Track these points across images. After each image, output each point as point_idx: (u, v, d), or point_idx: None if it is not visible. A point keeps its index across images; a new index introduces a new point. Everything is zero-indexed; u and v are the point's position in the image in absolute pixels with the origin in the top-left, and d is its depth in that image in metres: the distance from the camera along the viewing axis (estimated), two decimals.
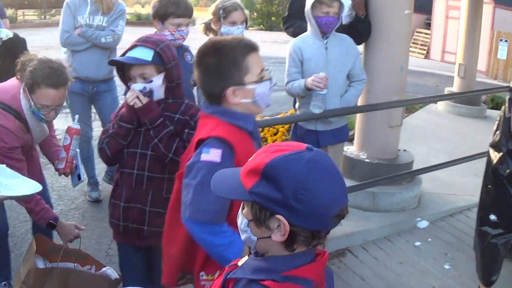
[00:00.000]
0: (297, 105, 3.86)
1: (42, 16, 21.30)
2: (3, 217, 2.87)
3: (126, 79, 2.52)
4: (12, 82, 2.83)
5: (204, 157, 1.89)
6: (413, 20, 4.87)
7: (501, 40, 15.57)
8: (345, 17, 4.12)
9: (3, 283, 3.18)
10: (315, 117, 3.60)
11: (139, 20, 19.62)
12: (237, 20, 3.66)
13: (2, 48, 2.85)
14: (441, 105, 9.28)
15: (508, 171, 3.06)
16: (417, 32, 20.29)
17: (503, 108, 3.23)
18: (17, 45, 3.81)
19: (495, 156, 3.16)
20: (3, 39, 3.55)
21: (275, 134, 5.85)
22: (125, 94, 3.35)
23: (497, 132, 3.20)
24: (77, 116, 2.88)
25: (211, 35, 3.75)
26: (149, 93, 2.43)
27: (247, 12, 3.84)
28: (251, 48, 1.93)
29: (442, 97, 8.44)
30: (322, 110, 3.44)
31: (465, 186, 5.32)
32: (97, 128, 5.35)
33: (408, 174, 4.72)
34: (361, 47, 4.47)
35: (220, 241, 1.89)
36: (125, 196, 2.59)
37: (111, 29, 4.47)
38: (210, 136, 1.92)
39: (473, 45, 8.61)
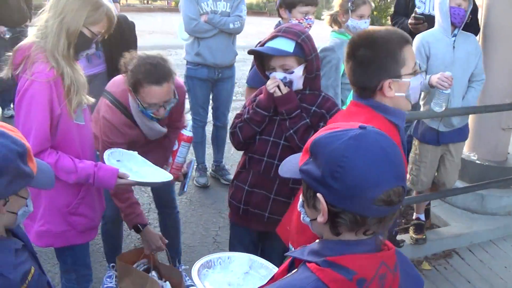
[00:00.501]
0: (421, 101, 3.86)
1: (145, 1, 22.06)
2: (113, 203, 2.94)
3: (265, 69, 2.52)
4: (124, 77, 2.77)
5: None
6: None
7: None
8: None
9: (111, 264, 3.32)
10: (437, 115, 3.60)
11: (250, 9, 19.79)
12: (365, 14, 3.64)
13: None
14: None
15: None
16: None
17: None
18: (125, 30, 3.74)
19: None
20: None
21: None
22: (247, 82, 3.50)
23: None
24: (190, 122, 2.83)
25: (335, 27, 3.77)
26: (289, 84, 2.43)
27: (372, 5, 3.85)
28: (406, 40, 1.87)
29: None
30: (444, 109, 3.44)
31: None
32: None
33: None
34: None
35: None
36: (250, 181, 2.61)
37: (237, 14, 4.51)
38: None
39: None
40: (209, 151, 5.35)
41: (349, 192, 1.14)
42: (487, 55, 4.36)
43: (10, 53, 2.31)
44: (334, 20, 3.78)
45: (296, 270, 1.26)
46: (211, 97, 4.97)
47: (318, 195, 1.18)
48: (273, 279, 1.43)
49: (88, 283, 2.69)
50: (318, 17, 3.91)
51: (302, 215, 1.31)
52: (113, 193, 2.85)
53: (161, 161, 2.87)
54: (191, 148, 3.12)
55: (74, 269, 2.59)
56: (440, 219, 4.49)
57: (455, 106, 3.65)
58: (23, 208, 1.55)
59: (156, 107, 2.65)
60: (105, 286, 3.31)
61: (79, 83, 2.30)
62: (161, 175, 2.64)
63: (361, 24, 3.63)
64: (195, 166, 4.49)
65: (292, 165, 1.32)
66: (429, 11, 4.34)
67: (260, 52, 2.47)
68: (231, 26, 4.48)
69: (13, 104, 6.38)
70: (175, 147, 2.80)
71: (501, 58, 4.37)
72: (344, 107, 3.08)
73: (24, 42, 2.33)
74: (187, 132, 2.79)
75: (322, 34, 3.84)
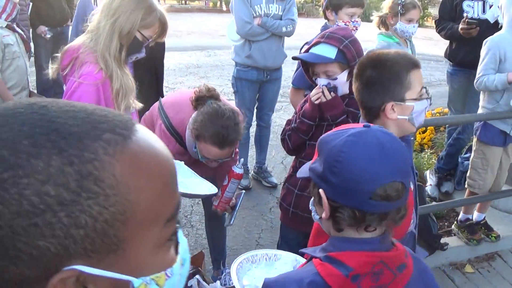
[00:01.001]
0: (481, 102, 3.78)
1: (182, 1, 22.30)
2: None
3: (311, 74, 2.52)
4: (187, 105, 2.61)
5: None
6: None
7: None
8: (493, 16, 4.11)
9: (242, 159, 2.95)
10: (503, 117, 3.54)
11: None
12: (414, 18, 3.61)
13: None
14: None
15: None
16: None
17: None
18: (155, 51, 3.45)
19: None
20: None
21: (424, 132, 5.72)
22: (293, 83, 3.46)
23: None
24: (242, 159, 2.77)
25: (383, 29, 3.74)
26: (333, 89, 2.42)
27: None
28: (414, 64, 1.87)
29: None
30: None
31: None
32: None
33: None
34: None
35: None
36: (300, 185, 2.60)
37: (290, 17, 4.46)
38: None
39: None
40: (251, 152, 5.34)
41: (346, 187, 1.18)
42: None
43: (58, 54, 2.31)
44: (383, 22, 3.75)
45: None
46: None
47: (320, 190, 1.22)
48: None
49: None
50: (367, 18, 3.86)
51: (312, 213, 1.36)
52: None
53: (208, 174, 2.81)
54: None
55: None
56: None
57: None
58: None
59: (211, 160, 2.59)
60: None
61: (127, 87, 2.28)
62: (207, 187, 2.61)
63: (410, 28, 3.61)
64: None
65: (306, 166, 1.37)
66: (478, 15, 4.26)
67: (304, 60, 2.48)
68: (284, 29, 4.44)
69: None
70: (225, 182, 2.74)
71: None
72: None
73: (73, 43, 2.32)
74: (238, 169, 2.72)
75: (370, 36, 3.80)
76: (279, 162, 5.58)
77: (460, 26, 4.16)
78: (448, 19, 4.47)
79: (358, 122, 2.43)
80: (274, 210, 4.45)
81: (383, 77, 1.85)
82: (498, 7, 3.82)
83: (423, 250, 3.04)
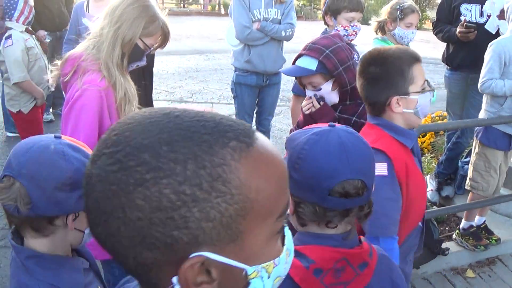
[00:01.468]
0: (484, 106, 3.76)
1: (181, 5, 22.32)
2: None
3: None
4: None
5: None
6: None
7: None
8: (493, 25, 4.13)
9: None
10: (505, 122, 3.55)
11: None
12: (413, 23, 3.60)
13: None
14: None
15: None
16: None
17: None
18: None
19: None
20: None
21: (424, 136, 5.71)
22: (293, 90, 3.46)
23: None
24: None
25: (379, 35, 3.74)
26: (321, 99, 2.43)
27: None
28: (416, 58, 1.92)
29: None
30: None
31: None
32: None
33: None
34: None
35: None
36: None
37: (289, 22, 4.45)
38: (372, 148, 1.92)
39: None
40: None
41: (307, 183, 1.22)
42: None
43: (57, 61, 2.29)
44: (381, 28, 3.75)
45: None
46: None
47: None
48: None
49: None
50: (366, 22, 3.85)
51: None
52: None
53: None
54: None
55: None
56: None
57: None
58: None
59: None
60: None
61: (131, 95, 2.27)
62: None
63: (409, 34, 3.61)
64: None
65: None
66: (475, 18, 4.27)
67: (287, 74, 2.54)
68: (283, 34, 4.42)
69: (53, 109, 6.53)
70: None
71: None
72: None
73: (75, 50, 2.29)
74: None
75: (369, 40, 3.80)
76: None
77: (458, 29, 4.16)
78: (446, 21, 4.47)
79: (352, 128, 2.45)
80: None
81: (386, 72, 1.90)
82: (501, 12, 3.84)
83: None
